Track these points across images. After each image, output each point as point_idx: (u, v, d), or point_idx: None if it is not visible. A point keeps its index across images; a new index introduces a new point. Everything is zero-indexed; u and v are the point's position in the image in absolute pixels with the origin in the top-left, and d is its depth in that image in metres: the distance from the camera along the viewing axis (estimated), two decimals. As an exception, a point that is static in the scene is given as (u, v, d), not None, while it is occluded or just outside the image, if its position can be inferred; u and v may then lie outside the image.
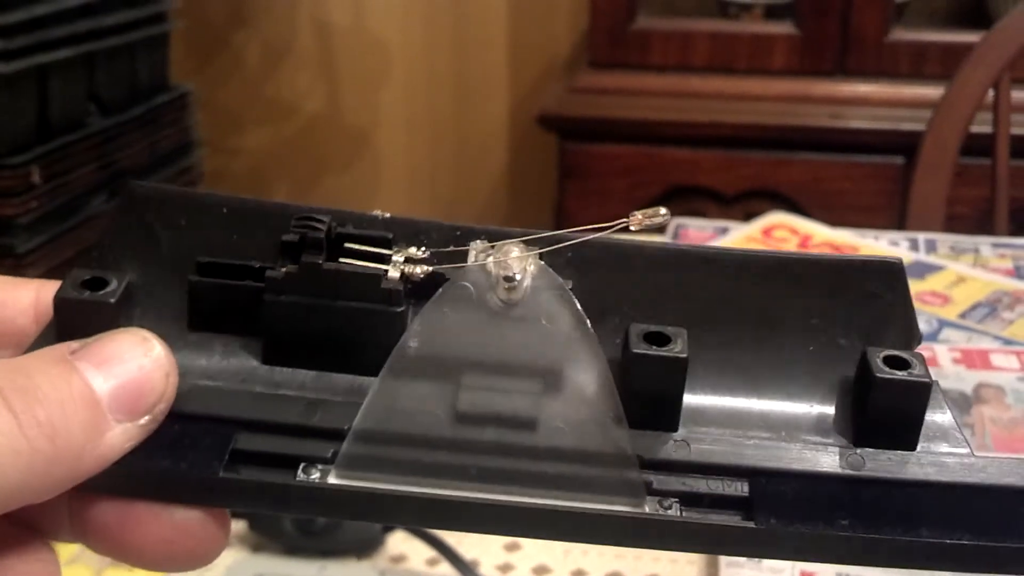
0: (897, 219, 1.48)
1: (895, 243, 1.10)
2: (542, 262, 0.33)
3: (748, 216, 1.18)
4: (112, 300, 0.31)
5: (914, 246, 1.10)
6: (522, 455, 0.30)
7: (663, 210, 0.34)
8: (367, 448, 0.30)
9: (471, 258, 0.33)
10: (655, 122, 1.78)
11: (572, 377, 0.31)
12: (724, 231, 1.15)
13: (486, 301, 0.32)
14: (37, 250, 0.71)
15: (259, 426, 0.31)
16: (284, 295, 0.32)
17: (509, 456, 0.30)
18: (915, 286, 1.00)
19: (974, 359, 0.86)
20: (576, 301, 0.32)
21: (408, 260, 0.33)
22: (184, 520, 0.30)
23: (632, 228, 0.34)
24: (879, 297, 0.35)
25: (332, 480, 0.30)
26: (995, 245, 1.10)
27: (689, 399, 0.33)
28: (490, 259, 0.32)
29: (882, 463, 0.32)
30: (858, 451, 0.33)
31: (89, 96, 0.76)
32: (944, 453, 0.33)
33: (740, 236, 1.13)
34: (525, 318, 0.32)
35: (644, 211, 0.34)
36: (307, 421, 0.31)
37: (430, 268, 0.33)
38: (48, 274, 0.71)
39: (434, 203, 2.29)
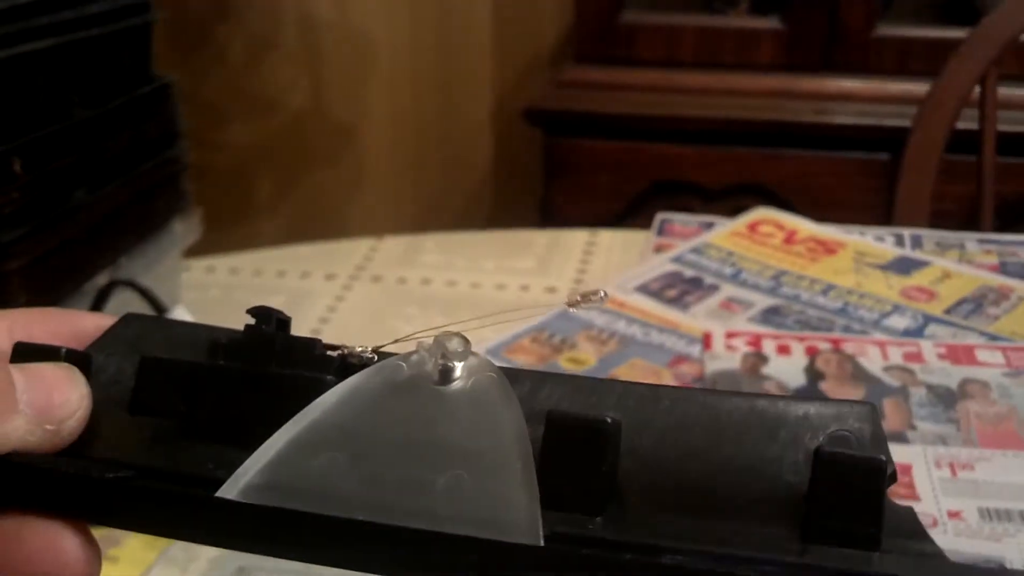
0: (882, 215, 1.48)
1: (880, 238, 1.10)
2: (482, 355, 0.32)
3: (733, 212, 1.18)
4: (62, 352, 0.33)
5: (900, 242, 1.10)
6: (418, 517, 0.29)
7: (602, 292, 0.34)
8: (261, 494, 0.29)
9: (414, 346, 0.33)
10: (640, 116, 1.78)
11: (490, 460, 0.30)
12: (709, 226, 1.15)
13: (416, 381, 0.31)
14: (20, 241, 0.70)
15: (158, 473, 0.31)
16: (223, 359, 0.33)
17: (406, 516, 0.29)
18: (901, 281, 1.00)
19: (959, 355, 0.86)
20: (508, 387, 0.31)
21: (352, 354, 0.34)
22: (55, 540, 0.30)
23: (570, 309, 0.34)
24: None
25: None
26: (981, 241, 1.10)
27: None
28: (428, 341, 0.32)
29: (832, 558, 0.29)
30: (808, 549, 0.29)
31: (72, 86, 0.75)
32: (910, 553, 0.30)
33: (726, 231, 1.13)
34: (454, 400, 0.31)
35: (584, 292, 0.34)
36: (208, 473, 0.30)
37: (370, 350, 0.34)
38: (31, 264, 0.71)
39: (418, 199, 2.28)
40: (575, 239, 1.15)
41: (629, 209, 1.80)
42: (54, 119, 0.73)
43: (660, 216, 1.18)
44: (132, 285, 0.73)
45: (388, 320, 0.99)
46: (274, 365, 0.33)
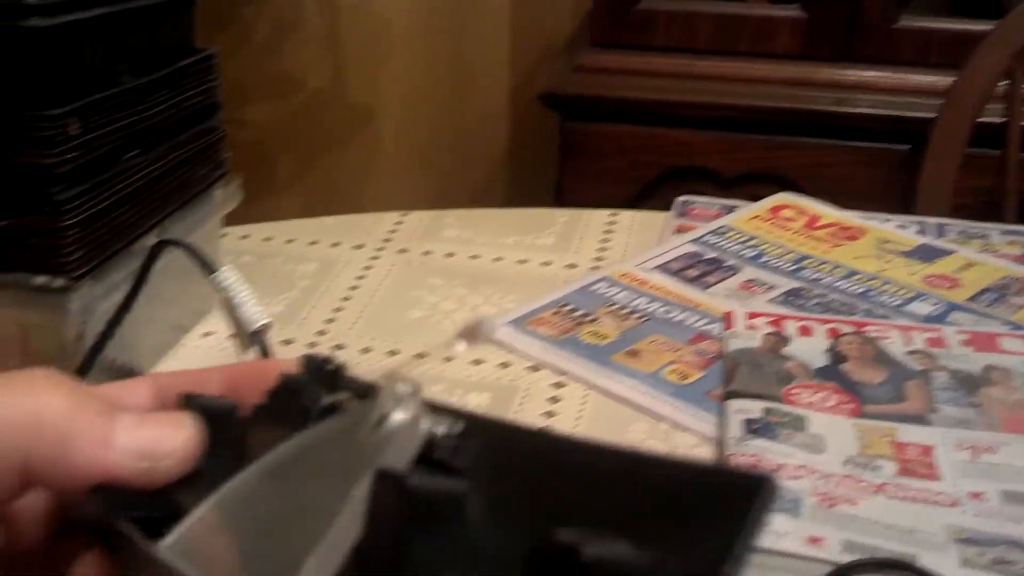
0: (898, 206, 1.49)
1: (903, 227, 1.11)
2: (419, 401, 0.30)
3: (748, 199, 1.19)
4: (199, 401, 0.34)
5: (923, 230, 1.11)
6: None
7: (492, 323, 0.35)
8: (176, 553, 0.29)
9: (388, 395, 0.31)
10: (657, 102, 1.79)
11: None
12: (730, 209, 1.16)
13: (356, 431, 0.30)
14: (75, 199, 0.71)
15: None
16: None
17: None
18: (923, 269, 1.01)
19: (983, 342, 0.87)
20: (417, 447, 0.30)
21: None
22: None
23: (460, 345, 0.34)
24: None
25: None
26: (1005, 232, 1.10)
27: None
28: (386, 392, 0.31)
29: None
30: None
31: (120, 55, 0.77)
32: None
33: (747, 215, 1.14)
34: (368, 450, 0.30)
35: (472, 324, 0.34)
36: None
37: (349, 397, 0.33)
38: (85, 222, 0.72)
39: (433, 180, 2.29)
40: (596, 218, 1.16)
41: (643, 194, 1.81)
42: (105, 85, 0.75)
43: (681, 198, 1.19)
44: (181, 245, 0.75)
45: (413, 290, 1.00)
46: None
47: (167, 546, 0.29)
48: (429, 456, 0.29)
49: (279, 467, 0.30)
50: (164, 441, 0.32)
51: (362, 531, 0.27)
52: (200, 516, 0.29)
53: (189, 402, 0.34)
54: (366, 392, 0.32)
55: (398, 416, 0.29)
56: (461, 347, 0.33)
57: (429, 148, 2.28)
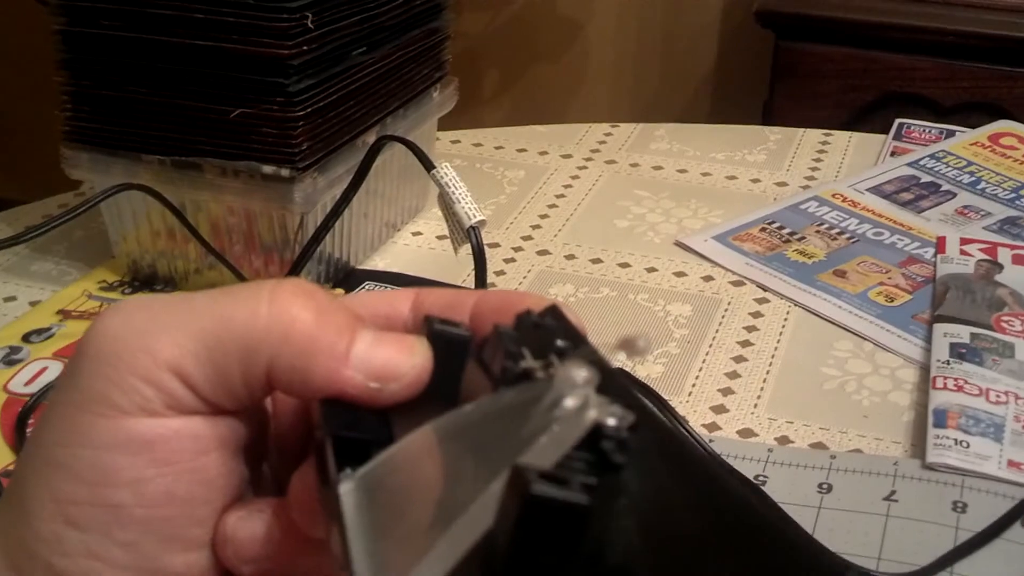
0: None
1: None
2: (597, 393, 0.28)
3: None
4: (434, 324, 0.34)
5: None
6: None
7: (643, 342, 0.31)
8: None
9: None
10: (876, 25, 1.74)
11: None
12: (950, 134, 1.13)
13: (528, 411, 0.28)
14: (305, 91, 0.75)
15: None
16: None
17: None
18: None
19: None
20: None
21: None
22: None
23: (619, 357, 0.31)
24: None
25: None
26: None
27: None
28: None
29: None
30: None
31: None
32: None
33: (966, 140, 1.11)
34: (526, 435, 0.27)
35: (627, 338, 0.30)
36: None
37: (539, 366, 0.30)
38: (314, 114, 0.75)
39: (640, 96, 2.29)
40: (809, 137, 1.15)
41: (854, 119, 1.77)
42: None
43: (899, 120, 1.17)
44: (402, 141, 0.77)
45: (619, 200, 1.01)
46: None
47: (349, 479, 0.29)
48: (596, 444, 0.27)
49: (453, 430, 0.29)
50: (395, 365, 0.32)
51: (490, 526, 0.26)
52: (381, 462, 0.30)
53: (429, 327, 0.34)
54: (569, 355, 0.30)
55: (568, 403, 0.27)
56: (621, 356, 0.30)
57: (637, 64, 2.27)
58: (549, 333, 0.32)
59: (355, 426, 0.32)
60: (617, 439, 0.27)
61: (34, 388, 0.74)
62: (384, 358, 0.32)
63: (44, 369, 0.76)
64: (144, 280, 0.88)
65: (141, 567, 0.32)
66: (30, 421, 0.70)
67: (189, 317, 0.32)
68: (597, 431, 0.27)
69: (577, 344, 0.31)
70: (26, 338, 0.80)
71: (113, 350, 0.32)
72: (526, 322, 0.33)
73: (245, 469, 0.34)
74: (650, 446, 0.27)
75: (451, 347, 0.34)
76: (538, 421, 0.27)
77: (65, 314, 0.83)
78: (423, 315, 0.35)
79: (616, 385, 0.28)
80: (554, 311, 0.33)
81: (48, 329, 0.81)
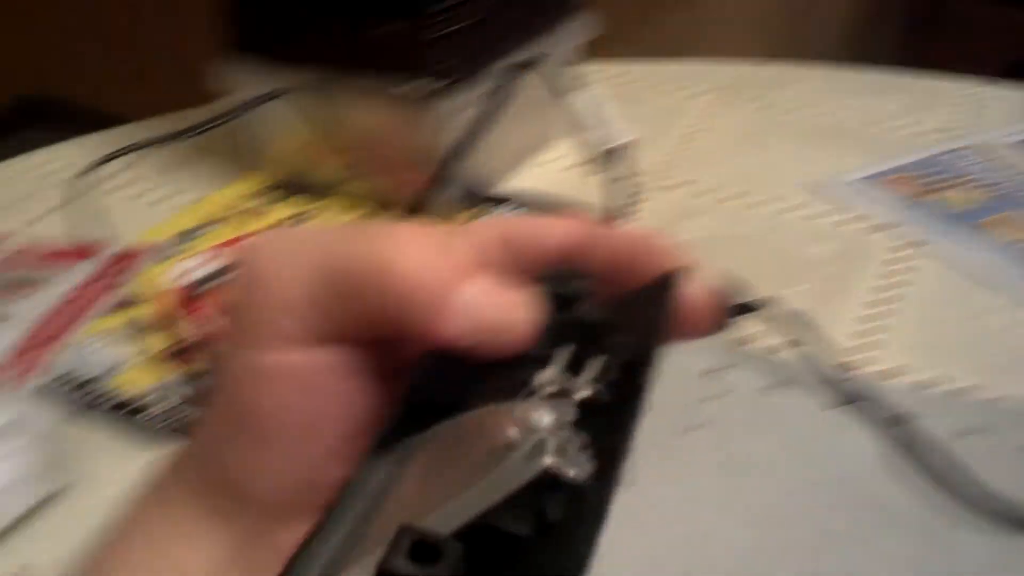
0: None
1: None
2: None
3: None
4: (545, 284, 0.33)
5: None
6: None
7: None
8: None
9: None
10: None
11: None
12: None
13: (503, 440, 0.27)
14: (443, 12, 0.76)
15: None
16: None
17: None
18: None
19: None
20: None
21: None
22: None
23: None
24: None
25: None
26: None
27: None
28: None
29: None
30: None
31: None
32: None
33: None
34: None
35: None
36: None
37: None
38: (450, 36, 0.76)
39: (768, 41, 2.24)
40: (961, 89, 1.13)
41: (1006, 75, 1.71)
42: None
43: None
44: (543, 64, 0.76)
45: (756, 138, 1.00)
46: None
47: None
48: (540, 494, 0.26)
49: (433, 440, 0.30)
50: (502, 321, 0.31)
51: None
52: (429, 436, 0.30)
53: (544, 280, 0.33)
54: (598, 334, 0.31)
55: (519, 449, 0.26)
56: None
57: (768, 5, 2.22)
58: (614, 334, 0.31)
59: (436, 384, 0.31)
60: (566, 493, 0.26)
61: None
62: (491, 313, 0.31)
63: (199, 264, 0.79)
64: (290, 188, 0.90)
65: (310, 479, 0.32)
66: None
67: (319, 253, 0.32)
68: (550, 479, 0.26)
69: (638, 360, 0.30)
70: (181, 236, 0.84)
71: (258, 278, 0.32)
72: (613, 304, 0.32)
73: (396, 386, 0.33)
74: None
75: (561, 304, 0.33)
76: (495, 455, 0.27)
77: (217, 217, 0.87)
78: (543, 269, 0.34)
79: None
80: (666, 282, 0.33)
81: (199, 228, 0.85)
